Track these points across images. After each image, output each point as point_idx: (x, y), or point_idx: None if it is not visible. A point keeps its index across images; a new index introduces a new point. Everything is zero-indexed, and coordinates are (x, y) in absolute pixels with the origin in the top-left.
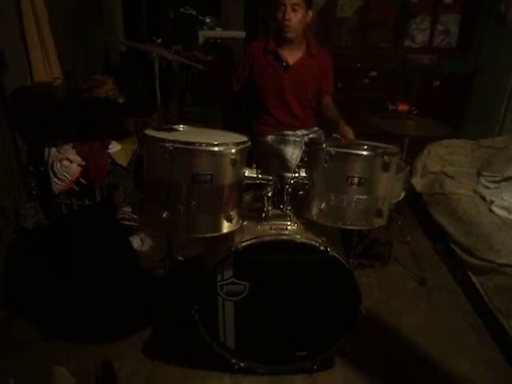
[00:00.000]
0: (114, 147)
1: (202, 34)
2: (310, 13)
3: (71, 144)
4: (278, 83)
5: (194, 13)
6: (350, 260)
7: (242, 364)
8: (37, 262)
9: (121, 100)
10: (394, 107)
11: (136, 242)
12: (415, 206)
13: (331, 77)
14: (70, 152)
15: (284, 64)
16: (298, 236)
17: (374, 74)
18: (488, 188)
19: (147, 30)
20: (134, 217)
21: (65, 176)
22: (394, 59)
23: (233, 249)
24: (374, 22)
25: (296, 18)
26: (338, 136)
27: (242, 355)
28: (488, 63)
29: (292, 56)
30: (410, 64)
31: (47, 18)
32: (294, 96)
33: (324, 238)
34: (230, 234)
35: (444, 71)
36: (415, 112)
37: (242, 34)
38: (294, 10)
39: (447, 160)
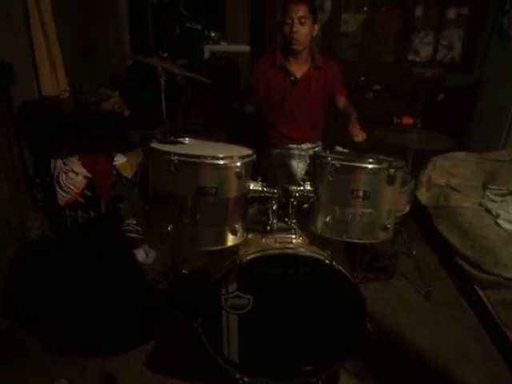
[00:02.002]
0: (120, 159)
1: (208, 49)
2: (316, 26)
3: (77, 156)
4: (286, 97)
5: (200, 28)
6: (355, 273)
7: (245, 379)
8: (41, 274)
9: (126, 113)
10: (398, 120)
11: (140, 254)
12: (420, 219)
13: (340, 79)
14: (76, 164)
15: (292, 78)
16: (303, 249)
17: (378, 87)
18: (494, 201)
19: (154, 44)
20: (139, 229)
21: (70, 188)
22: (398, 73)
23: (237, 262)
24: (377, 36)
25: (303, 31)
26: (341, 148)
27: (246, 370)
28: (492, 77)
29: (299, 70)
30: (414, 78)
31: (55, 32)
32: (301, 110)
33: (329, 252)
34: (235, 247)
35: (448, 85)
36: (420, 125)
37: (246, 48)
38: (301, 23)
39: (452, 173)
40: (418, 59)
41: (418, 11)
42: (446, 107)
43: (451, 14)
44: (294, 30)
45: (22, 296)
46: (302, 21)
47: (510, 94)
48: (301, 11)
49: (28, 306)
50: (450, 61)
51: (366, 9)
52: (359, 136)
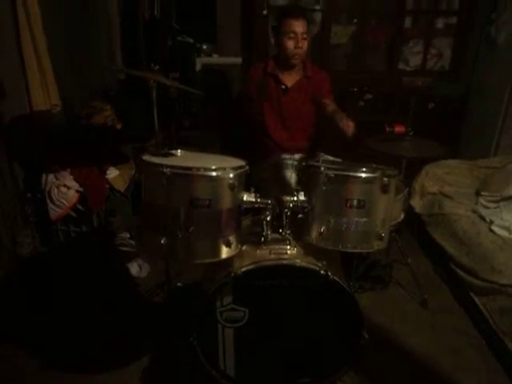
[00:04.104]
0: (112, 173)
1: (199, 61)
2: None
3: (69, 170)
4: (277, 106)
5: (191, 41)
6: (351, 283)
7: None
8: (34, 290)
9: (119, 126)
10: (391, 129)
11: (134, 268)
12: (415, 227)
13: (328, 86)
14: (68, 178)
15: (283, 87)
16: (298, 260)
17: (369, 97)
18: (487, 208)
19: (145, 57)
20: (132, 243)
21: (62, 202)
22: (388, 82)
23: (232, 274)
24: (368, 46)
25: (305, 46)
26: (326, 156)
27: (242, 383)
28: (481, 85)
29: (290, 79)
30: (405, 86)
31: (46, 46)
32: (293, 118)
33: (324, 262)
34: (229, 259)
35: (438, 93)
36: (411, 133)
37: (238, 60)
38: (304, 39)
39: (445, 180)
40: (408, 68)
41: (407, 22)
42: (437, 115)
43: (440, 23)
44: (300, 45)
45: (13, 313)
46: (305, 36)
47: (499, 101)
48: (303, 26)
49: (19, 322)
50: (440, 69)
51: (355, 20)
52: (349, 128)
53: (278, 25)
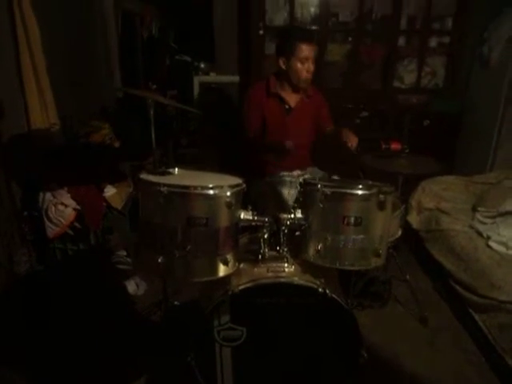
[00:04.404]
0: (110, 191)
1: (197, 79)
2: None
3: (66, 188)
4: (281, 125)
5: (189, 59)
6: (349, 300)
7: None
8: (31, 308)
9: (117, 144)
10: (387, 146)
11: (131, 286)
12: (412, 244)
13: (327, 111)
14: (65, 196)
15: (287, 107)
16: (296, 278)
17: (365, 114)
18: (484, 223)
19: (143, 76)
20: (129, 261)
21: (59, 220)
22: (384, 100)
23: (229, 293)
24: (363, 65)
25: (314, 69)
26: (336, 177)
27: None
28: (475, 102)
29: (293, 98)
30: (400, 104)
31: (45, 65)
32: (294, 137)
33: (322, 280)
34: (227, 277)
35: (433, 110)
36: (408, 150)
37: (235, 79)
38: (313, 62)
39: (442, 196)
40: (402, 86)
41: (401, 41)
42: (433, 132)
43: (433, 42)
44: (312, 69)
45: (10, 331)
46: (314, 60)
47: (493, 117)
48: (314, 50)
49: (17, 341)
50: (434, 87)
51: (350, 39)
52: (353, 141)
53: (289, 47)
